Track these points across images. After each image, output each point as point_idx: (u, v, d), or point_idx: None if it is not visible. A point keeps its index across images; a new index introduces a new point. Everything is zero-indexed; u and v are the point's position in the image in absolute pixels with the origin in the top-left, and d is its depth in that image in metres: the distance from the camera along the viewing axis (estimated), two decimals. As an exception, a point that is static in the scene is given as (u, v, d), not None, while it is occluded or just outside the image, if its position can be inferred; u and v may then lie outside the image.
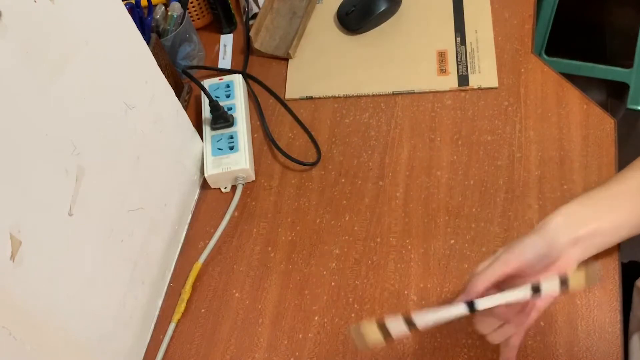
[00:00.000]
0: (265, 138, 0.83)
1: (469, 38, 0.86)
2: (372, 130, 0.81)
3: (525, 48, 0.83)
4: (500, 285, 0.52)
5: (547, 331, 0.62)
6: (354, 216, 0.74)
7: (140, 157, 0.66)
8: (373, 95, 0.84)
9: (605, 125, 0.74)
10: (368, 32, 0.91)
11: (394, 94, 0.84)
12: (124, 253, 0.64)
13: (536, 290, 0.49)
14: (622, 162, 0.71)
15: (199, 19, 0.96)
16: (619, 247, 0.65)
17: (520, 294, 0.49)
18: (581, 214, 0.54)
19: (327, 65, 0.88)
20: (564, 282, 0.48)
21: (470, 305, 0.49)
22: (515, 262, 0.51)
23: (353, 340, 0.50)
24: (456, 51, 0.85)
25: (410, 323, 0.49)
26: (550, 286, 0.48)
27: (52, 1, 0.50)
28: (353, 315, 0.67)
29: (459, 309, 0.49)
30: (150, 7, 0.87)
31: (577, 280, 0.48)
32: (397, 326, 0.49)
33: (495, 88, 0.81)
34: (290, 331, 0.67)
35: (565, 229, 0.53)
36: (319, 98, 0.85)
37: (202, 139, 0.80)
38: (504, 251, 0.52)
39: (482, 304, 0.49)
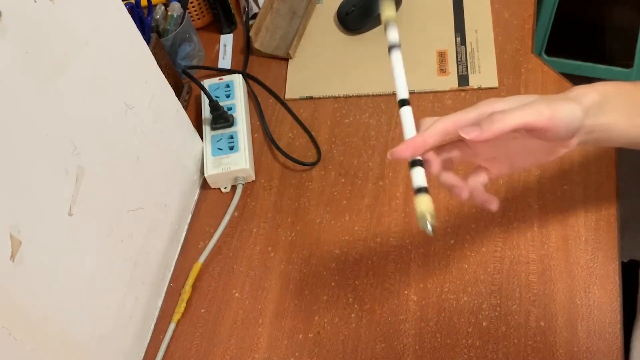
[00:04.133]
0: (265, 138, 0.83)
1: (469, 38, 0.86)
2: (372, 130, 0.81)
3: (525, 48, 0.83)
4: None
5: (547, 331, 0.62)
6: (354, 216, 0.74)
7: (140, 157, 0.66)
8: (373, 95, 0.84)
9: (605, 125, 0.74)
10: (368, 32, 0.91)
11: (394, 94, 0.83)
12: (124, 253, 0.64)
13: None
14: (622, 162, 0.71)
15: (199, 19, 0.96)
16: (619, 247, 0.65)
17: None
18: (613, 99, 0.49)
19: (327, 65, 0.88)
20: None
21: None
22: (548, 112, 0.44)
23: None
24: (456, 51, 0.85)
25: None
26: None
27: (52, 1, 0.50)
28: (353, 315, 0.67)
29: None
30: (150, 7, 0.87)
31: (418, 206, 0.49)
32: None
33: (496, 88, 0.81)
34: (290, 331, 0.67)
35: (595, 110, 0.47)
36: (319, 98, 0.85)
37: (202, 139, 0.80)
38: (540, 100, 0.45)
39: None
